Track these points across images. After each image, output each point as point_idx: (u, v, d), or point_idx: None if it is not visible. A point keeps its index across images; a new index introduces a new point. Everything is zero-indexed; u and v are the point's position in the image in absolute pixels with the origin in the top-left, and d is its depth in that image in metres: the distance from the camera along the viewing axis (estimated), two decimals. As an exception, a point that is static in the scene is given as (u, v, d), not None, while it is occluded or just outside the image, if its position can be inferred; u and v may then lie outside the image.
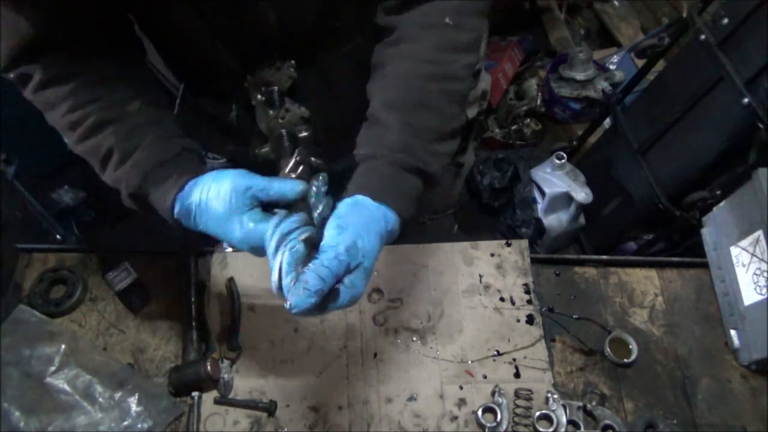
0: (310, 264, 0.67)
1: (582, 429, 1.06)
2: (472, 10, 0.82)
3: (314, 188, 0.76)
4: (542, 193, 2.29)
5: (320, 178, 0.77)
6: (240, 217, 0.74)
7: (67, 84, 0.82)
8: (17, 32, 0.77)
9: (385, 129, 0.78)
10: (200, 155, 0.88)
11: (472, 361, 1.15)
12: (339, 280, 0.69)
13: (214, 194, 0.76)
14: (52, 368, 1.08)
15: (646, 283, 1.25)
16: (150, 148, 0.82)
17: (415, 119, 0.78)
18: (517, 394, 1.09)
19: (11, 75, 0.83)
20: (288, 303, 0.66)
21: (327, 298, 0.68)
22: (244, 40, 0.91)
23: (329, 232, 0.70)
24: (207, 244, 1.66)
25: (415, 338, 1.17)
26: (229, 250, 1.26)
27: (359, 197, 0.75)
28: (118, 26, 0.88)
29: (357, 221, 0.72)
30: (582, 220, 2.32)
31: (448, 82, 0.80)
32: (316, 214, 0.75)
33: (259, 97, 0.94)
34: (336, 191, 0.78)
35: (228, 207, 0.75)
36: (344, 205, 0.75)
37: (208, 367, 1.07)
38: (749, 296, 1.14)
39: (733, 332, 1.17)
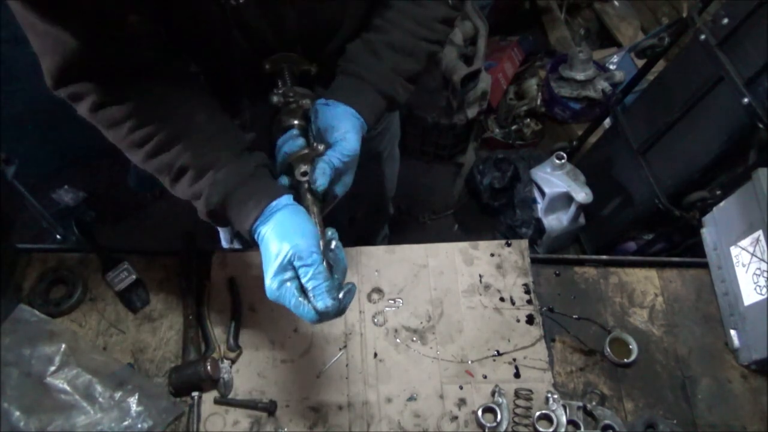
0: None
1: (582, 429, 1.06)
2: None
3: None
4: (542, 193, 2.29)
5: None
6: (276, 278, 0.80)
7: (127, 102, 0.82)
8: (62, 47, 0.76)
9: (380, 61, 0.97)
10: (270, 169, 0.91)
11: (472, 361, 1.15)
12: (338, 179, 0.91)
13: (272, 241, 0.82)
14: (52, 368, 1.08)
15: (646, 283, 1.25)
16: (227, 166, 0.85)
17: (403, 62, 0.98)
18: (517, 394, 1.09)
19: (62, 93, 0.82)
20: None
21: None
22: (262, 31, 0.91)
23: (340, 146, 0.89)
24: (207, 244, 1.67)
25: (415, 338, 1.17)
26: (227, 246, 1.26)
27: (348, 108, 0.93)
28: (163, 37, 0.87)
29: (350, 130, 0.91)
30: (582, 220, 2.32)
31: (433, 45, 1.01)
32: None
33: (267, 66, 0.95)
34: None
35: (272, 263, 0.81)
36: (338, 116, 0.92)
37: (208, 367, 1.07)
38: (749, 296, 1.14)
39: (733, 332, 1.17)
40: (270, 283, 0.80)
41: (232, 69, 0.97)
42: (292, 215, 0.83)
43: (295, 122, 0.91)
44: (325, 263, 0.80)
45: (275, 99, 0.93)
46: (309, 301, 0.79)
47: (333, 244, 0.83)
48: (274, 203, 0.84)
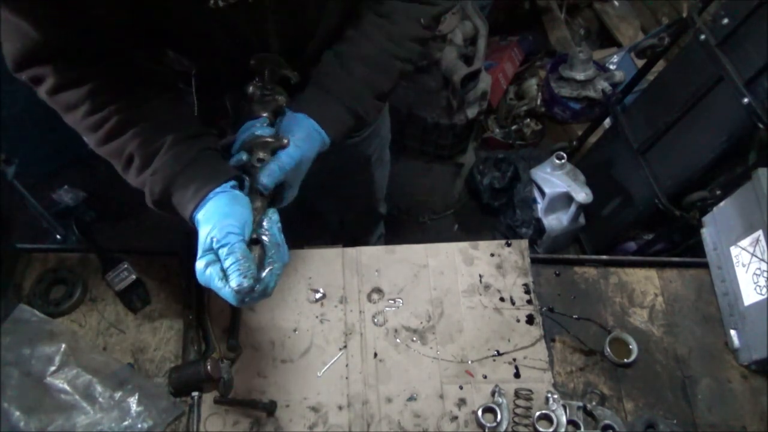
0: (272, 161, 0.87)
1: (582, 429, 1.06)
2: (436, 15, 1.05)
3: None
4: (542, 193, 2.29)
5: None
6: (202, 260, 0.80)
7: (83, 86, 0.82)
8: (22, 36, 0.77)
9: (350, 75, 0.96)
10: (217, 151, 0.90)
11: (472, 361, 1.15)
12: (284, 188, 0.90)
13: (204, 226, 0.81)
14: (52, 368, 1.08)
15: (646, 283, 1.25)
16: (169, 153, 0.84)
17: (374, 79, 0.98)
18: (517, 394, 1.09)
19: (23, 76, 0.83)
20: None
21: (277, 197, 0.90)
22: (243, 32, 0.90)
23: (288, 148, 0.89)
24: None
25: (415, 338, 1.17)
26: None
27: (310, 120, 0.93)
28: (128, 25, 0.86)
29: (304, 139, 0.91)
30: (582, 220, 2.32)
31: (406, 63, 1.01)
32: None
33: (252, 62, 0.95)
34: None
35: (199, 247, 0.81)
36: (297, 124, 0.92)
37: (208, 367, 1.07)
38: (749, 296, 1.14)
39: (733, 332, 1.17)
40: (197, 266, 0.79)
41: (215, 68, 0.97)
42: (223, 200, 0.82)
43: (266, 114, 0.91)
44: (251, 245, 0.80)
45: (251, 89, 0.93)
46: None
47: (265, 223, 0.83)
48: (212, 192, 0.83)
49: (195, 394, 1.07)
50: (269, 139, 0.88)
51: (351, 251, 1.26)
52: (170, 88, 0.94)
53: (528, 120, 2.86)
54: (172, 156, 0.84)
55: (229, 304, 1.17)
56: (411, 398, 1.11)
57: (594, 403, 1.09)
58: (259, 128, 0.89)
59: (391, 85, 1.01)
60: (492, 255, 1.27)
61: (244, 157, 0.88)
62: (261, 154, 0.87)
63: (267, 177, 0.85)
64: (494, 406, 1.08)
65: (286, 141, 0.88)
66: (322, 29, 0.97)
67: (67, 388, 1.06)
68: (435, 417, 1.09)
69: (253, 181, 0.87)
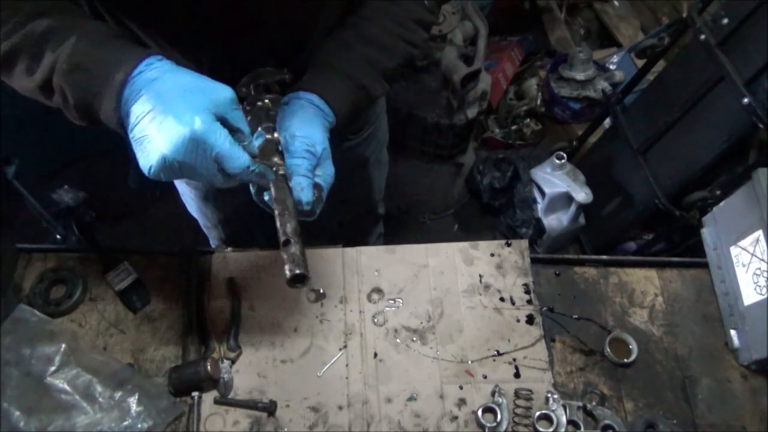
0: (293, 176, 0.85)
1: (582, 429, 1.06)
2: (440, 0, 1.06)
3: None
4: (542, 193, 2.29)
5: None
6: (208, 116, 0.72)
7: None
8: None
9: (351, 51, 0.95)
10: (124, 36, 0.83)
11: (472, 361, 1.15)
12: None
13: (186, 82, 0.73)
14: (52, 368, 1.08)
15: (646, 283, 1.25)
16: (98, 25, 0.77)
17: (378, 57, 0.97)
18: (517, 394, 1.09)
19: None
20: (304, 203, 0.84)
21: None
22: (238, 33, 0.90)
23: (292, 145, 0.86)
24: (207, 243, 1.66)
25: (415, 338, 1.17)
26: (229, 249, 1.26)
27: (305, 98, 0.90)
28: None
29: (300, 121, 0.87)
30: (582, 220, 2.32)
31: (409, 46, 1.00)
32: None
33: (244, 90, 0.93)
34: None
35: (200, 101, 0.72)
36: (288, 113, 0.88)
37: (208, 367, 1.07)
38: (749, 296, 1.14)
39: (733, 332, 1.17)
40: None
41: (213, 67, 0.93)
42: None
43: (261, 126, 0.89)
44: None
45: None
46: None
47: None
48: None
49: (195, 394, 1.08)
50: (261, 147, 0.86)
51: (351, 251, 1.26)
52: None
53: (528, 120, 2.86)
54: (104, 26, 0.78)
55: (229, 304, 1.18)
56: (411, 398, 1.11)
57: (594, 403, 1.09)
58: (255, 142, 0.87)
59: (395, 65, 0.98)
60: (492, 255, 1.27)
61: (254, 177, 0.86)
62: (266, 162, 0.85)
63: (304, 195, 0.83)
64: (494, 406, 1.08)
65: (276, 135, 0.87)
66: (323, 24, 0.96)
67: (67, 388, 1.06)
68: (435, 417, 1.09)
69: (275, 189, 0.84)
